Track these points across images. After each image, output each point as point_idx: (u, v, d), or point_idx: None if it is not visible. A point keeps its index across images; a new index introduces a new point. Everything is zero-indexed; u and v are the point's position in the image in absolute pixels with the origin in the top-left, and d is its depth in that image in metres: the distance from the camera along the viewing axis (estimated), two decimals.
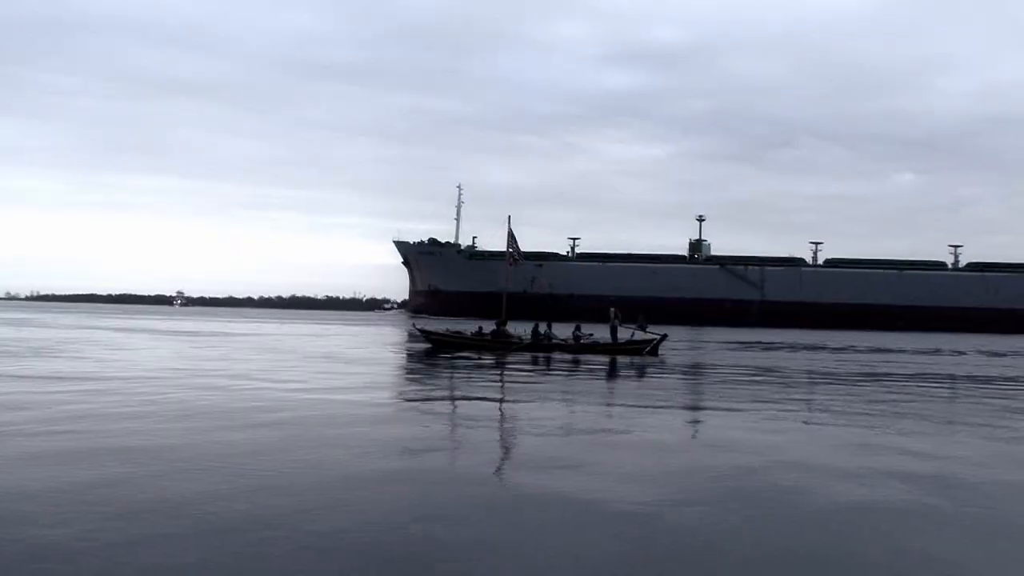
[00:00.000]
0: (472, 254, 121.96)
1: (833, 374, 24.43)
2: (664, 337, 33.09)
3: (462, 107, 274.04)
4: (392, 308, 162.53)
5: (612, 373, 22.68)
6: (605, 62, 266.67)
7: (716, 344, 44.80)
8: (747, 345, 44.10)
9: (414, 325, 39.48)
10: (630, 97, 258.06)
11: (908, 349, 43.75)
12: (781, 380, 21.31)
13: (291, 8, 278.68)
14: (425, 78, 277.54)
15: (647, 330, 33.35)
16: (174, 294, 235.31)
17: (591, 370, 23.02)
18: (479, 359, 26.87)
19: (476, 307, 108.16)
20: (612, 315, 34.82)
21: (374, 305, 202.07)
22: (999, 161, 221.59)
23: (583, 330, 34.42)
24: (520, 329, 34.75)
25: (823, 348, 43.06)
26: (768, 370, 25.09)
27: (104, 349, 27.27)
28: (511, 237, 35.59)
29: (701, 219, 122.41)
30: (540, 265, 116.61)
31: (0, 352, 23.84)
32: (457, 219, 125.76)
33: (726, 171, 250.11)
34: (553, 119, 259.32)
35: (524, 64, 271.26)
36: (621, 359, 28.94)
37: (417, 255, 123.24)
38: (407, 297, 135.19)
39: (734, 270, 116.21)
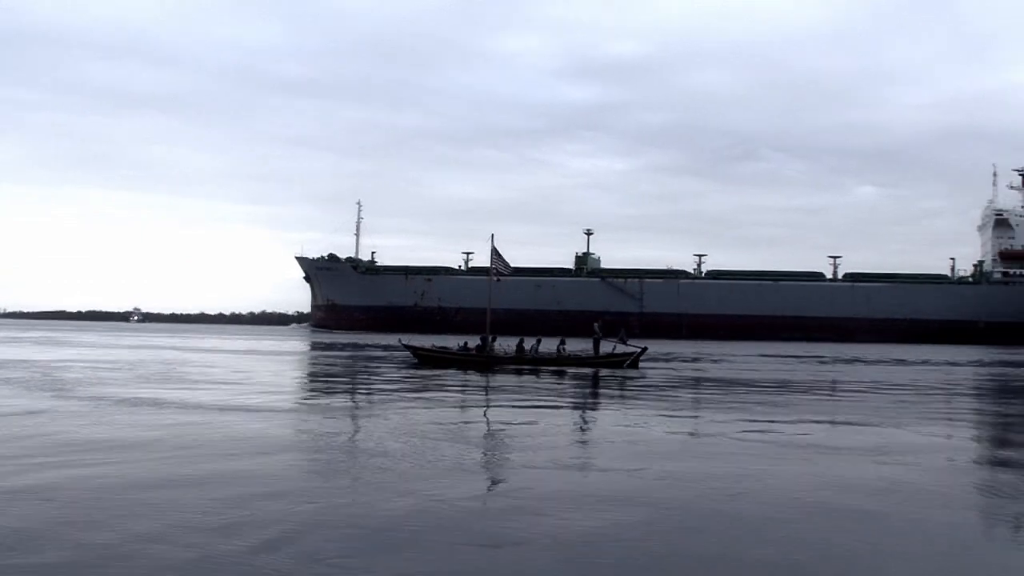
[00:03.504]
0: (367, 269, 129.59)
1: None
2: (644, 350, 36.99)
3: (422, 121, 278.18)
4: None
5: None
6: (564, 75, 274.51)
7: (713, 356, 49.04)
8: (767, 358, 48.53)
9: (400, 340, 42.26)
10: (590, 110, 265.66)
11: (932, 360, 48.93)
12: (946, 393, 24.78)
13: (249, 22, 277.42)
14: (384, 92, 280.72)
15: (627, 343, 37.46)
16: (131, 310, 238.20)
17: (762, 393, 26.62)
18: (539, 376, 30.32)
19: (370, 321, 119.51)
20: (595, 329, 38.82)
21: None
22: (956, 173, 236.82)
23: (566, 344, 38.15)
24: (505, 344, 38.30)
25: (860, 361, 47.52)
26: (911, 386, 27.85)
27: (228, 371, 29.10)
28: (495, 253, 38.95)
29: (589, 233, 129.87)
30: (429, 280, 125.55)
31: (133, 377, 25.01)
32: (357, 235, 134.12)
33: (688, 184, 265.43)
34: (514, 133, 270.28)
35: (483, 78, 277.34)
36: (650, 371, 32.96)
37: (316, 270, 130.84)
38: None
39: (614, 283, 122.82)
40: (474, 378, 27.21)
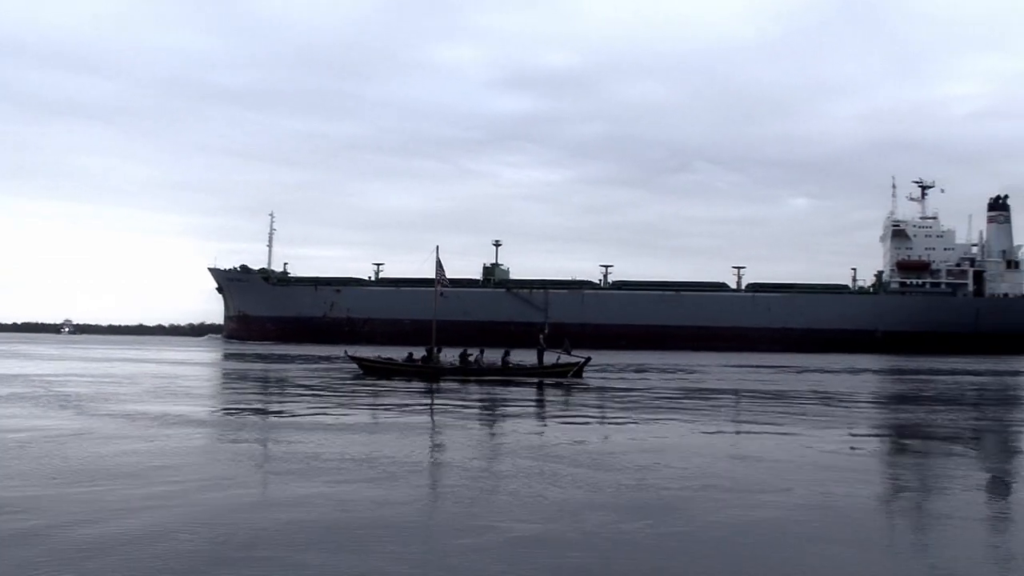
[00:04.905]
0: (278, 280, 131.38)
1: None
2: (587, 360, 38.24)
3: (357, 131, 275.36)
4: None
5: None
6: (499, 86, 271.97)
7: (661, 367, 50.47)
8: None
9: (346, 352, 42.78)
10: (525, 121, 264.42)
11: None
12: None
13: (183, 31, 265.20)
14: (320, 102, 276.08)
15: (571, 354, 38.76)
16: (62, 322, 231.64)
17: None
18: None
19: (280, 331, 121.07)
20: (540, 340, 40.01)
21: None
22: (887, 184, 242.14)
23: (511, 356, 39.27)
24: (450, 355, 39.26)
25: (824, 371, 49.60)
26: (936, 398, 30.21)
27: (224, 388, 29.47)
28: (439, 265, 39.93)
29: (497, 244, 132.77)
30: (338, 290, 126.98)
31: (141, 392, 24.86)
32: (269, 246, 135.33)
33: (623, 195, 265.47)
34: (449, 143, 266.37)
35: (418, 88, 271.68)
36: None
37: (228, 281, 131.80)
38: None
39: (520, 294, 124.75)
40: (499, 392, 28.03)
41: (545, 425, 17.97)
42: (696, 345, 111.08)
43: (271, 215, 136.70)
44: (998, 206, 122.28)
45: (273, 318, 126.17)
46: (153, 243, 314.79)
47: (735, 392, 29.91)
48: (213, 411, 19.69)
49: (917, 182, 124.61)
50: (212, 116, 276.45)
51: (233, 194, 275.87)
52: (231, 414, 19.25)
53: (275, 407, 21.02)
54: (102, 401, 21.24)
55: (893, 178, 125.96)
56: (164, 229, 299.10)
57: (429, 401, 23.95)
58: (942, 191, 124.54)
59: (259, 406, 21.61)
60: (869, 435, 17.41)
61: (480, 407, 22.16)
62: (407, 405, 22.65)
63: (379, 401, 23.33)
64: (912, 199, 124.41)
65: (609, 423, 18.51)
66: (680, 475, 11.52)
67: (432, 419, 18.92)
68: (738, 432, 16.95)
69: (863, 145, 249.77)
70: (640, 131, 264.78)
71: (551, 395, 27.24)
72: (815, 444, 14.94)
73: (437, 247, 40.58)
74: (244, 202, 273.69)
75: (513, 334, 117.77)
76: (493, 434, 16.51)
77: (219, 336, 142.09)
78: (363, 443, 14.25)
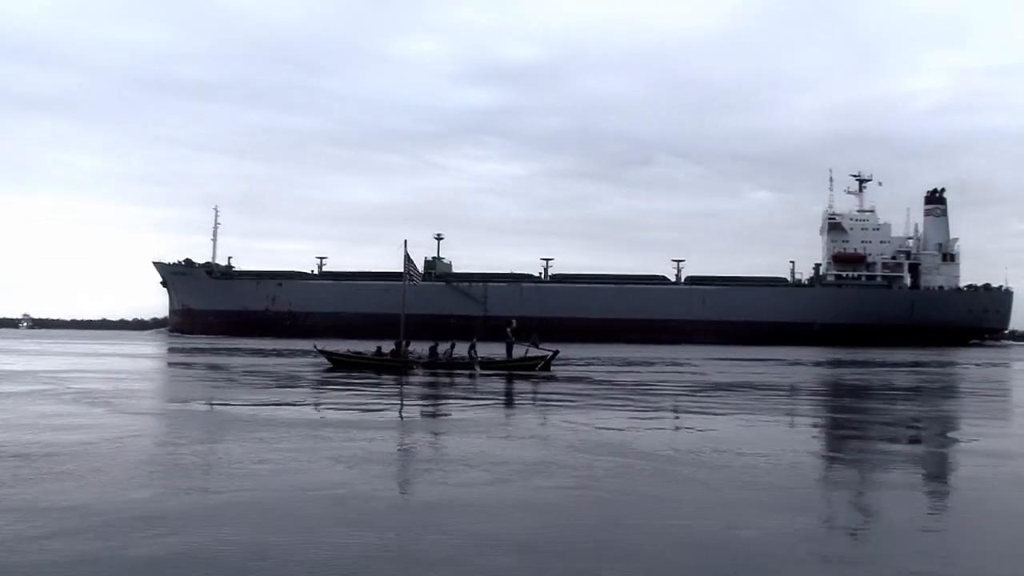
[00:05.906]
0: (221, 274, 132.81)
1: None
2: (556, 354, 38.60)
3: (318, 124, 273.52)
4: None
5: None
6: (460, 79, 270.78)
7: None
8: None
9: (315, 346, 42.69)
10: (487, 115, 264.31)
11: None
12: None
13: (142, 23, 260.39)
14: (279, 95, 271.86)
15: (539, 347, 39.21)
16: (20, 316, 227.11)
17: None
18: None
19: (224, 325, 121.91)
20: (508, 332, 40.38)
21: None
22: (847, 179, 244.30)
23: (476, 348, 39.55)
24: (420, 348, 39.48)
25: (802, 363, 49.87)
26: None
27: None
28: (407, 259, 40.07)
29: (439, 238, 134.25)
30: (280, 284, 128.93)
31: (160, 387, 24.80)
32: (214, 239, 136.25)
33: (586, 189, 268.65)
34: (411, 136, 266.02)
35: (380, 82, 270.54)
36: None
37: (172, 275, 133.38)
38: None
39: (459, 287, 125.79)
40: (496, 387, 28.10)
41: (632, 421, 17.65)
42: (634, 337, 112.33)
43: (215, 209, 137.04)
44: (935, 199, 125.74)
45: (216, 312, 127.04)
46: (113, 236, 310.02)
47: (750, 386, 29.72)
48: (257, 408, 19.19)
49: (855, 175, 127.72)
50: (172, 109, 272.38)
51: (193, 187, 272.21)
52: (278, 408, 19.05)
53: (312, 402, 20.70)
54: (127, 398, 20.84)
55: (831, 171, 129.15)
56: (125, 222, 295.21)
57: (449, 395, 23.95)
58: (880, 184, 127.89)
59: (297, 401, 21.22)
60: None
61: (492, 401, 22.24)
62: (437, 402, 22.84)
63: (400, 400, 23.16)
64: (849, 192, 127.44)
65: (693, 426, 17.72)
66: None
67: (476, 414, 18.71)
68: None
69: (825, 139, 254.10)
70: (603, 124, 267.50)
71: (575, 389, 27.13)
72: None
73: (405, 241, 40.52)
74: (204, 195, 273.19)
75: (453, 327, 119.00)
76: (585, 426, 16.52)
77: (164, 330, 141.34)
78: (486, 442, 14.12)
